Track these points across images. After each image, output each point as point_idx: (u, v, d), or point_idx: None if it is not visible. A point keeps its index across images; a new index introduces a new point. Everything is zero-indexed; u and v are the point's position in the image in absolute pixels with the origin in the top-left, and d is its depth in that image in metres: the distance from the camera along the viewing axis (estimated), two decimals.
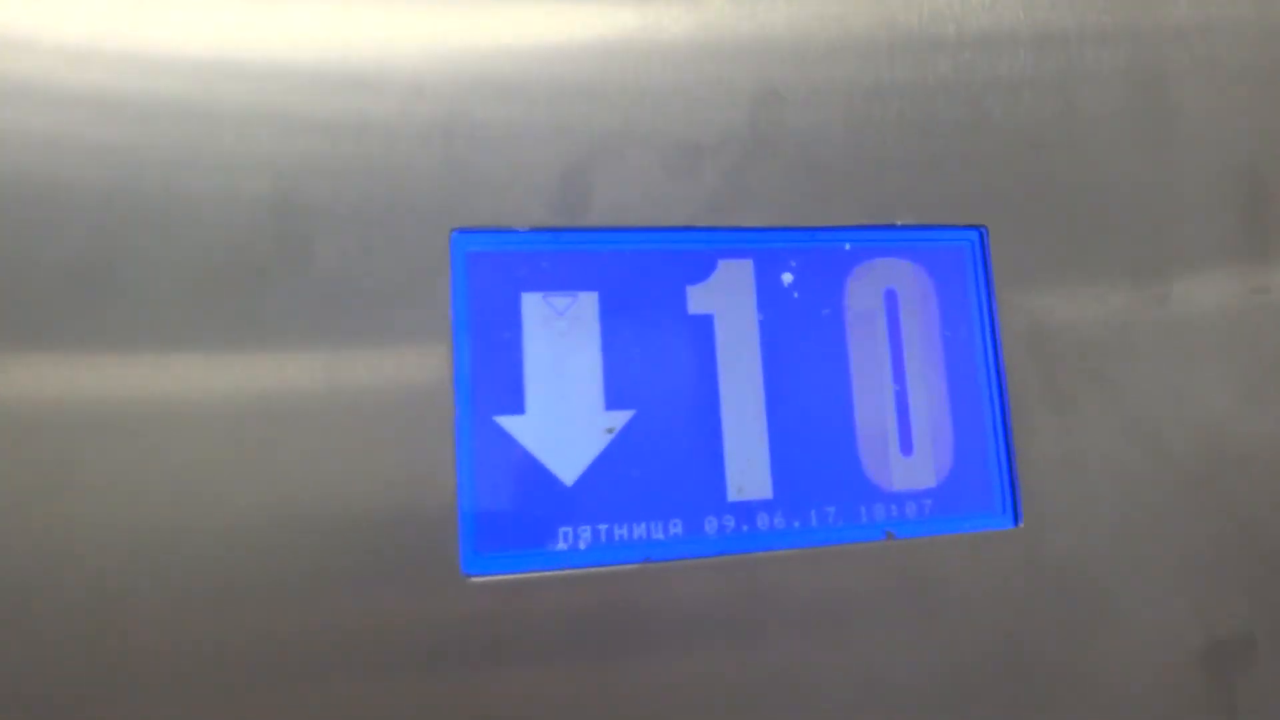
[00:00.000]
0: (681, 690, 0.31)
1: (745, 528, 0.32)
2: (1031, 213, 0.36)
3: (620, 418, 0.32)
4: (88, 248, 0.28)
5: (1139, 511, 0.35)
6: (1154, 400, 0.36)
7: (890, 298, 0.35)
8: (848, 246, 0.35)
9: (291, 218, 0.30)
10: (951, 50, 0.37)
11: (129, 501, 0.28)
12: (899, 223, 0.35)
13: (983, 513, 0.34)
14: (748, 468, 0.32)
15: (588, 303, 0.32)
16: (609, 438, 0.32)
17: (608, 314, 0.32)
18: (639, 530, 0.31)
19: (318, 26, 0.31)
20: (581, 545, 0.31)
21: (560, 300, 0.32)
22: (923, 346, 0.35)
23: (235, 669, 0.28)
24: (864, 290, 0.35)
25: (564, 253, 0.32)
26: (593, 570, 0.31)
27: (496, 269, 0.32)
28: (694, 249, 0.33)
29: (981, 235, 0.36)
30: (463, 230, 0.31)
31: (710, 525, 0.32)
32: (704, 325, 0.33)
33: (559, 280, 0.32)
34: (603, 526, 0.31)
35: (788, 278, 0.34)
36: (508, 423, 0.31)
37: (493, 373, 0.31)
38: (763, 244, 0.34)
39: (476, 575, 0.30)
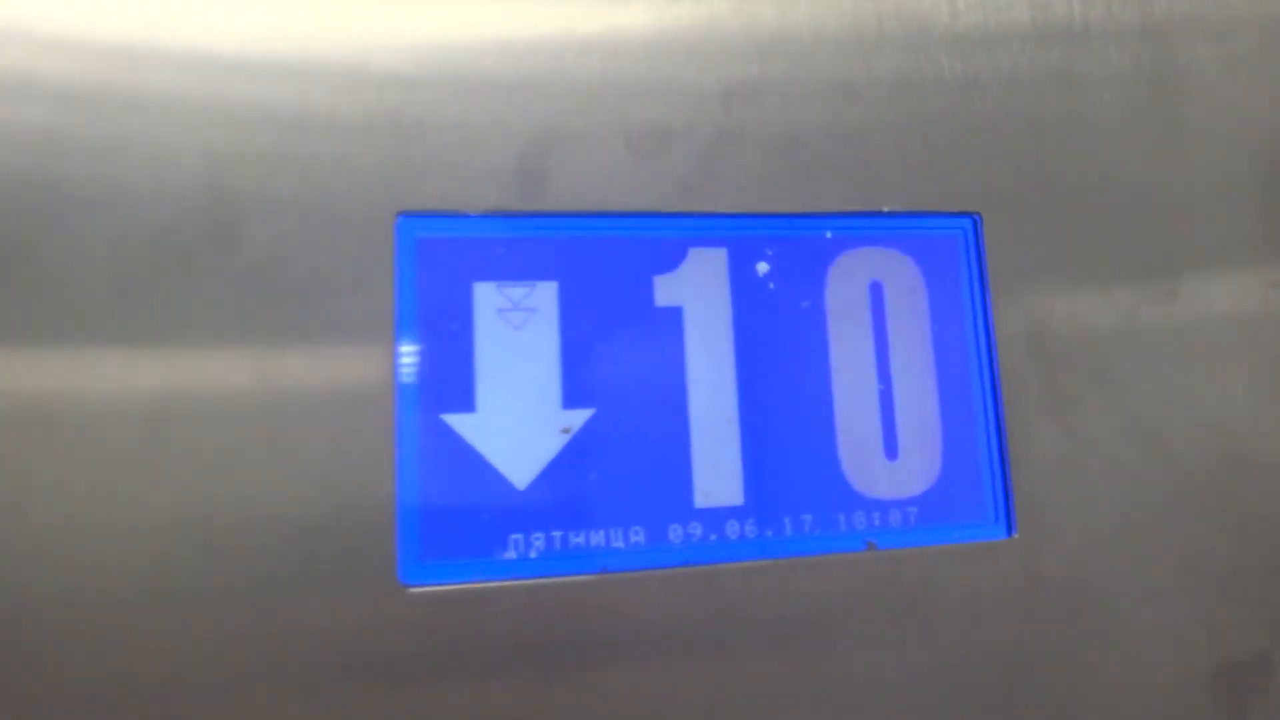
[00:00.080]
0: (641, 713, 0.29)
1: (713, 536, 0.30)
2: (1029, 200, 0.34)
3: (578, 417, 0.30)
4: (1, 236, 0.26)
5: (1144, 522, 0.33)
6: (1161, 402, 0.34)
7: (875, 290, 0.32)
8: (829, 235, 0.32)
9: (222, 204, 0.28)
10: (945, 25, 0.34)
11: (41, 504, 0.26)
12: (885, 209, 0.33)
13: (973, 522, 0.32)
14: (716, 471, 0.30)
15: (546, 293, 0.30)
16: (566, 438, 0.29)
17: (567, 306, 0.30)
18: (596, 538, 0.29)
19: (257, 11, 0.29)
20: (533, 554, 0.29)
21: (516, 290, 0.30)
22: (910, 343, 0.33)
23: (151, 680, 0.26)
24: (847, 282, 0.32)
25: (520, 239, 0.30)
26: (545, 581, 0.29)
27: (446, 256, 0.30)
28: (662, 236, 0.31)
29: (975, 224, 0.33)
30: (409, 214, 0.29)
31: (675, 533, 0.30)
32: (672, 318, 0.31)
33: (514, 269, 0.30)
34: (557, 534, 0.29)
35: (764, 268, 0.32)
36: (456, 421, 0.29)
37: (441, 368, 0.29)
38: (737, 231, 0.32)
39: (416, 585, 0.28)
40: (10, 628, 0.25)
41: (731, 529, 0.30)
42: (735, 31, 0.32)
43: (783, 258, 0.32)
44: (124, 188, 0.28)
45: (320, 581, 0.27)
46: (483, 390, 0.29)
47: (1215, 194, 0.36)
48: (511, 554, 0.29)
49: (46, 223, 0.27)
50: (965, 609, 0.31)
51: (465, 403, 0.29)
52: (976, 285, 0.33)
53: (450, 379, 0.29)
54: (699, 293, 0.31)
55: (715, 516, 0.30)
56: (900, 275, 0.33)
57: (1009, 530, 0.32)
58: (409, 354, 0.29)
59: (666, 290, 0.31)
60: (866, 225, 0.33)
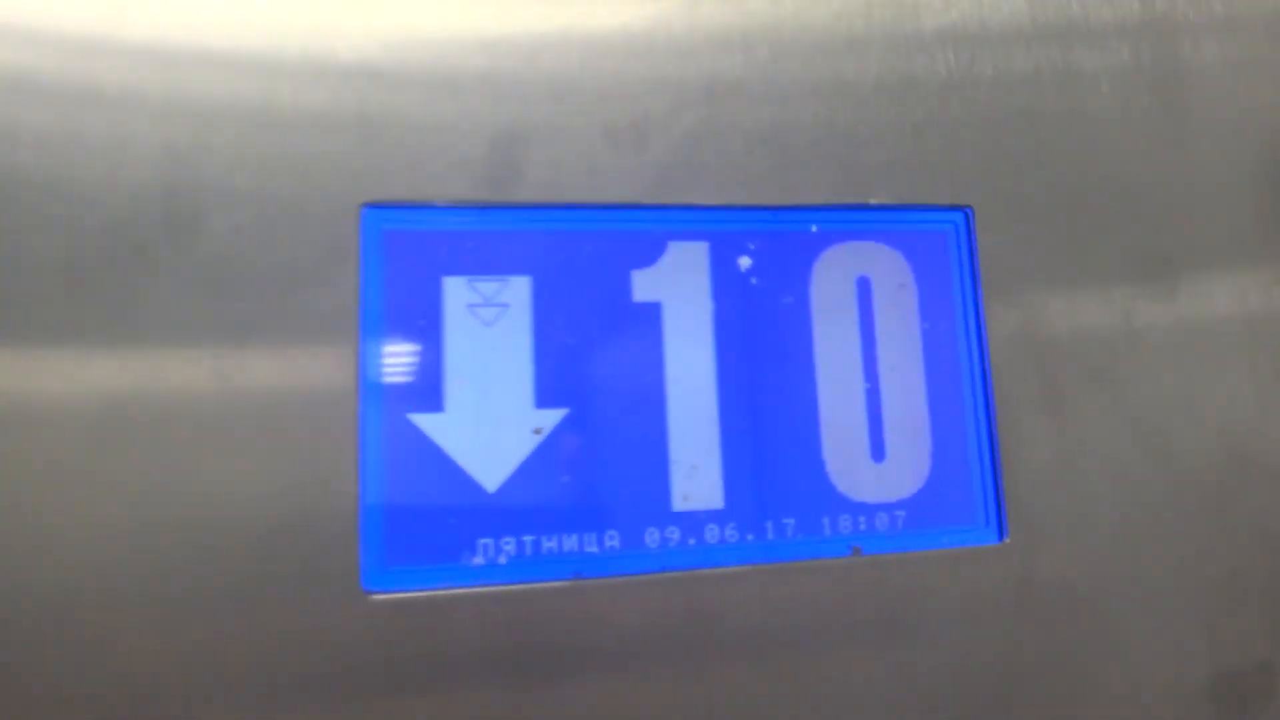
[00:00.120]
0: None
1: (692, 541, 0.29)
2: (1022, 193, 0.33)
3: (551, 417, 0.29)
4: None
5: (1140, 527, 0.32)
6: (1158, 403, 0.33)
7: (862, 286, 0.31)
8: (814, 228, 0.31)
9: (180, 197, 0.27)
10: (937, 13, 0.33)
11: None
12: (873, 202, 0.32)
13: (963, 527, 0.31)
14: (695, 473, 0.29)
15: (519, 288, 0.29)
16: (538, 439, 0.28)
17: (541, 301, 0.29)
18: (569, 543, 0.28)
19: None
20: (503, 559, 0.28)
21: (487, 285, 0.29)
22: (898, 341, 0.31)
23: (102, 688, 0.25)
24: (832, 277, 0.31)
25: (492, 232, 0.29)
26: (515, 588, 0.28)
27: (414, 250, 0.28)
28: (640, 229, 0.30)
29: (966, 217, 0.32)
30: (375, 206, 0.28)
31: (651, 538, 0.29)
32: (650, 314, 0.30)
33: (486, 263, 0.29)
34: (528, 538, 0.28)
35: (746, 262, 0.31)
36: (424, 421, 0.28)
37: (408, 366, 0.28)
38: (718, 224, 0.31)
39: (379, 592, 0.27)
40: None
41: (711, 533, 0.29)
42: (718, 19, 0.31)
43: (766, 252, 0.31)
44: (79, 180, 0.26)
45: (279, 588, 0.26)
46: (452, 389, 0.28)
47: (1216, 188, 0.34)
48: (480, 559, 0.28)
49: None
50: (954, 617, 0.30)
51: (433, 402, 0.28)
52: (968, 281, 0.32)
53: (418, 377, 0.28)
54: (678, 288, 0.30)
55: (694, 520, 0.29)
56: (888, 271, 0.32)
57: (1000, 535, 0.31)
58: (374, 351, 0.28)
59: (645, 285, 0.30)
60: (853, 218, 0.31)
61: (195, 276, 0.27)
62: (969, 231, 0.32)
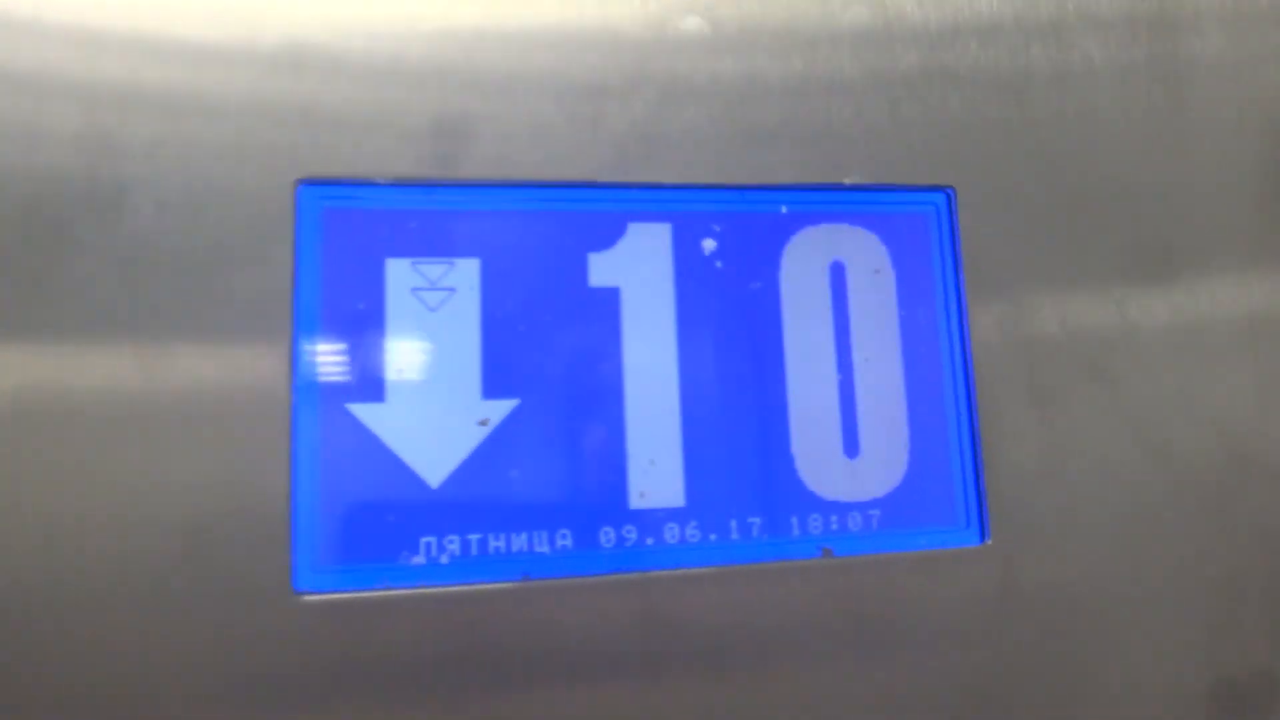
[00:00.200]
0: None
1: (650, 541, 0.28)
2: (1008, 173, 0.31)
3: (500, 408, 0.27)
4: None
5: (1132, 529, 0.31)
6: (1151, 399, 0.31)
7: (836, 271, 0.30)
8: (784, 209, 0.30)
9: (100, 175, 0.25)
10: None
11: None
12: (848, 182, 0.30)
13: (942, 527, 0.30)
14: (654, 469, 0.28)
15: (466, 271, 0.28)
16: (485, 431, 0.27)
17: (490, 285, 0.28)
18: (518, 542, 0.27)
19: None
20: (446, 559, 0.26)
21: (433, 268, 0.27)
22: (874, 330, 0.30)
23: (22, 694, 0.24)
24: (803, 262, 0.30)
25: (438, 211, 0.28)
26: (459, 589, 0.26)
27: (355, 229, 0.27)
28: (598, 209, 0.29)
29: (948, 198, 0.31)
30: (312, 182, 0.27)
31: (606, 537, 0.27)
32: (608, 300, 0.28)
33: (432, 244, 0.27)
34: (474, 537, 0.26)
35: (711, 245, 0.29)
36: (363, 412, 0.26)
37: (347, 354, 0.26)
38: (681, 204, 0.29)
39: (311, 593, 0.25)
40: None
41: (670, 533, 0.28)
42: None
43: (732, 234, 0.29)
44: None
45: (205, 589, 0.25)
46: (393, 378, 0.27)
47: (1213, 179, 0.33)
48: (421, 559, 0.26)
49: None
50: (932, 625, 0.29)
51: (374, 391, 0.27)
52: (949, 267, 0.31)
53: (357, 365, 0.27)
54: (638, 272, 0.29)
55: (652, 519, 0.28)
56: (864, 255, 0.30)
57: (982, 537, 0.30)
58: (310, 338, 0.26)
59: (602, 269, 0.28)
60: (826, 199, 0.30)
61: (117, 258, 0.25)
62: (950, 214, 0.31)
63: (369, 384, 0.26)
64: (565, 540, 0.27)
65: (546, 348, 0.28)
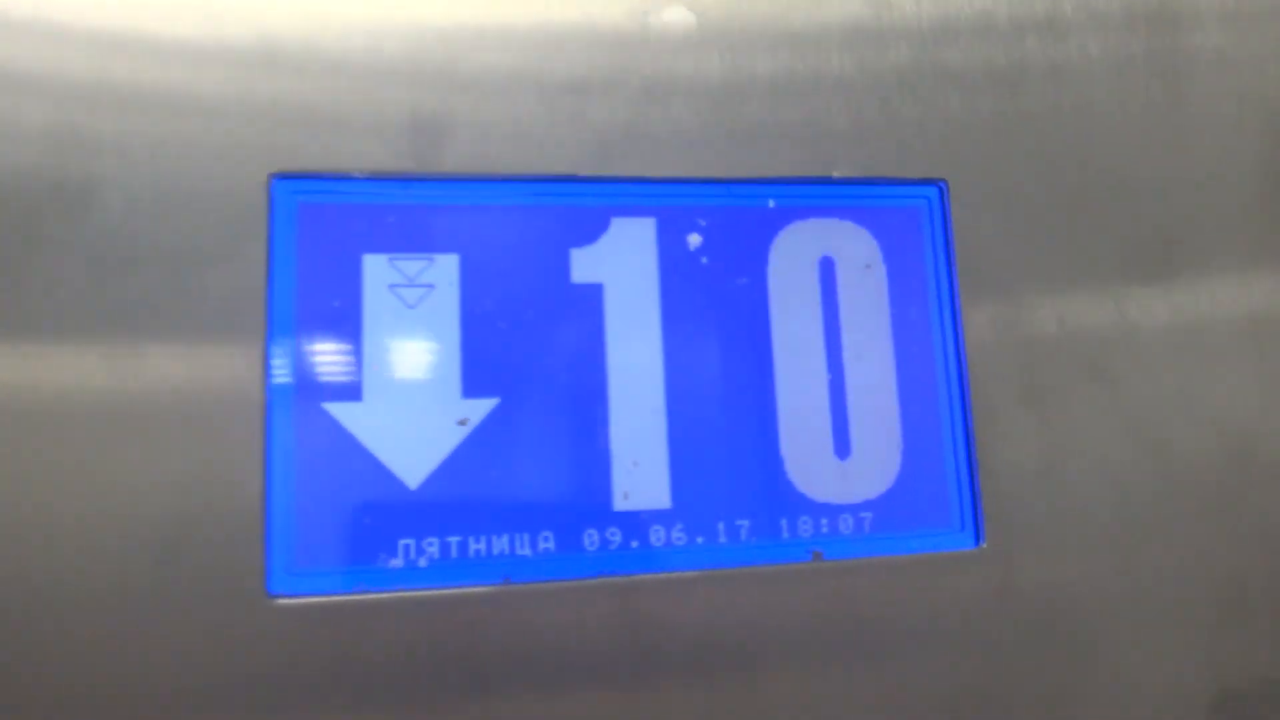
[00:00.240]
0: None
1: (634, 543, 0.27)
2: (1001, 166, 0.31)
3: (480, 407, 0.26)
4: None
5: (1130, 531, 0.30)
6: (1150, 398, 0.31)
7: (825, 267, 0.29)
8: (772, 203, 0.29)
9: (69, 172, 0.25)
10: None
11: None
12: (837, 175, 0.30)
13: (936, 530, 0.29)
14: (638, 470, 0.27)
15: (445, 267, 0.27)
16: (465, 431, 0.26)
17: (470, 281, 0.27)
18: (499, 544, 0.26)
19: None
20: (424, 562, 0.26)
21: (411, 264, 0.27)
22: (865, 327, 0.29)
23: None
24: (792, 257, 0.29)
25: (416, 206, 0.27)
26: (438, 593, 0.26)
27: (331, 224, 0.27)
28: (580, 204, 0.28)
29: (941, 192, 0.30)
30: (286, 176, 0.26)
31: (590, 540, 0.27)
32: (591, 296, 0.28)
33: (410, 240, 0.27)
34: (453, 539, 0.26)
35: (696, 240, 0.29)
36: (340, 411, 0.26)
37: (323, 352, 0.26)
38: (666, 198, 0.29)
39: (285, 596, 0.24)
40: None
41: (656, 535, 0.27)
42: None
43: (718, 229, 0.29)
44: None
45: (178, 592, 0.24)
46: (370, 377, 0.26)
47: (1214, 170, 0.32)
48: (399, 562, 0.25)
49: None
50: (925, 629, 0.28)
51: (350, 390, 0.26)
52: (942, 262, 0.30)
53: (334, 364, 0.26)
54: (622, 268, 0.28)
55: (637, 521, 0.27)
56: (854, 250, 0.30)
57: (977, 540, 0.29)
58: (285, 336, 0.26)
59: (585, 265, 0.28)
60: (815, 193, 0.29)
61: (86, 256, 0.25)
62: (943, 208, 0.30)
63: (346, 383, 0.26)
64: (547, 543, 0.26)
65: (528, 345, 0.27)
